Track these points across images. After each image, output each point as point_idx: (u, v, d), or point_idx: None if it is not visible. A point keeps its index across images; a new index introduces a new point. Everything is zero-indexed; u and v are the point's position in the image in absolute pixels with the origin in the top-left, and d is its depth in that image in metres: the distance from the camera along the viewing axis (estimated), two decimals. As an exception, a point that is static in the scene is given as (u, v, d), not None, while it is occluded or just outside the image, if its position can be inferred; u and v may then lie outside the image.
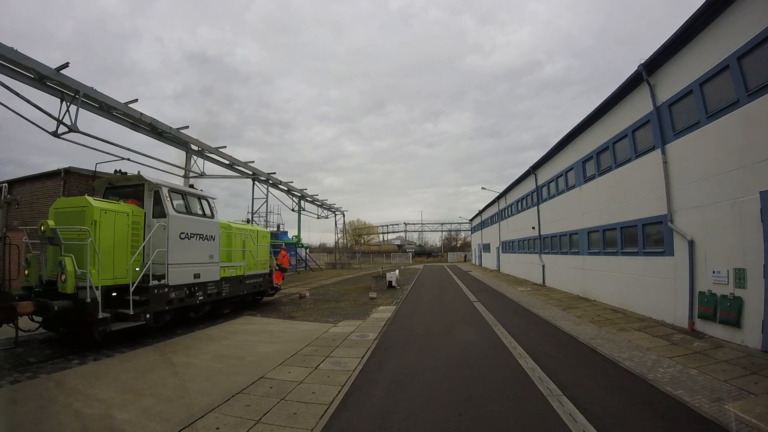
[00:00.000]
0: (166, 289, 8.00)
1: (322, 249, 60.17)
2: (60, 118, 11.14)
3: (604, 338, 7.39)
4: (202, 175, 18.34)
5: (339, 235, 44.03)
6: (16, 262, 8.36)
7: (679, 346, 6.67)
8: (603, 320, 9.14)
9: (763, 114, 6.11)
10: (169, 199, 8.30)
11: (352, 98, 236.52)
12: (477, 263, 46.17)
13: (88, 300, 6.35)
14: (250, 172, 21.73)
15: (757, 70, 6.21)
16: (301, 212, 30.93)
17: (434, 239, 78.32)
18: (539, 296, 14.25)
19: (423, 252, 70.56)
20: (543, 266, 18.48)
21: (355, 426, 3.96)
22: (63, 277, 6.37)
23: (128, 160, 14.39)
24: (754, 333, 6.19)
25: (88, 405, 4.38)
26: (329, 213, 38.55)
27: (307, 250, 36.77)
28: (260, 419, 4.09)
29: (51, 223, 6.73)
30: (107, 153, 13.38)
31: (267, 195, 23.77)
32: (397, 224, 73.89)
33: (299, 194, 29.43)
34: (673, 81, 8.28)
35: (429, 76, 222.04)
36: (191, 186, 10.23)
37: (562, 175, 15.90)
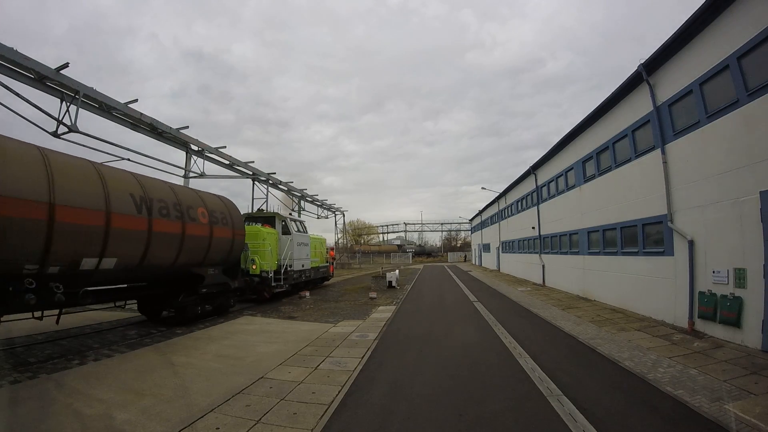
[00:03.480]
0: (292, 273, 15.02)
1: (322, 249, 60.01)
2: (60, 119, 11.13)
3: (604, 338, 7.39)
4: (202, 175, 18.32)
5: (339, 235, 44.04)
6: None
7: (679, 346, 6.67)
8: (603, 320, 9.14)
9: (763, 114, 6.11)
10: (291, 225, 15.66)
11: (351, 96, 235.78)
12: (477, 263, 46.17)
13: (269, 277, 13.13)
14: (250, 173, 21.71)
15: (757, 70, 6.21)
16: (301, 212, 30.92)
17: (434, 239, 78.45)
18: (539, 296, 14.25)
19: (423, 252, 70.60)
20: (543, 266, 18.48)
21: (355, 426, 3.97)
22: (254, 266, 12.79)
23: (128, 160, 14.38)
24: (754, 333, 6.19)
25: (88, 405, 4.39)
26: (329, 213, 38.53)
27: None
28: (260, 419, 4.09)
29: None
30: (107, 153, 13.37)
31: (267, 195, 23.75)
32: (397, 224, 73.94)
33: (299, 194, 29.42)
34: (673, 81, 8.28)
35: (429, 73, 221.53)
36: (290, 214, 17.51)
37: (562, 175, 15.90)
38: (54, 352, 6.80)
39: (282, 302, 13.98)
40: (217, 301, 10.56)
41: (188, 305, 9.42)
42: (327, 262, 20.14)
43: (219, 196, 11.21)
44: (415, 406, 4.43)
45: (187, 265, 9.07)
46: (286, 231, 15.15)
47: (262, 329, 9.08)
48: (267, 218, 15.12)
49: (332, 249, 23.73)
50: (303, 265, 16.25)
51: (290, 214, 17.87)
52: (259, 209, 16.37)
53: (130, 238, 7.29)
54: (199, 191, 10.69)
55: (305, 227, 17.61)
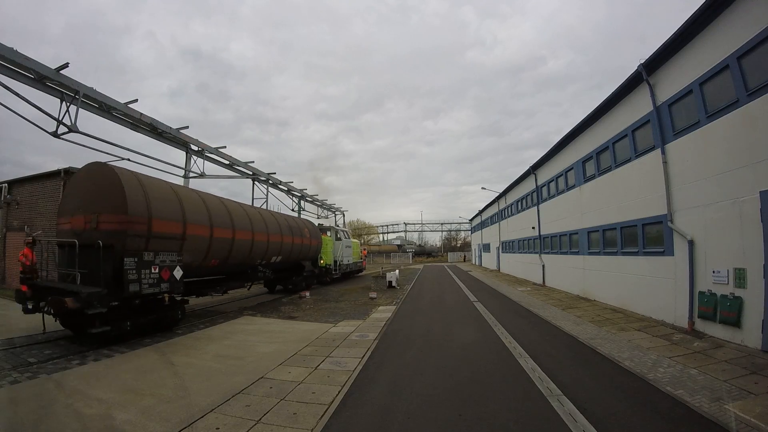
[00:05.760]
0: (342, 266, 22.68)
1: (322, 249, 59.95)
2: (60, 119, 11.12)
3: (604, 338, 7.39)
4: (202, 175, 18.30)
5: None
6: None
7: (679, 345, 6.67)
8: (603, 320, 9.14)
9: (763, 114, 6.11)
10: (341, 233, 24.00)
11: (351, 95, 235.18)
12: (477, 263, 46.14)
13: (330, 268, 21.38)
14: (250, 173, 21.68)
15: (756, 69, 6.21)
16: (301, 212, 30.92)
17: (434, 239, 78.39)
18: (539, 296, 14.25)
19: (423, 252, 70.57)
20: (543, 266, 18.47)
21: (355, 426, 3.97)
22: (321, 261, 20.19)
23: (128, 160, 14.37)
24: (754, 333, 6.19)
25: (88, 405, 4.38)
26: (329, 213, 38.50)
27: None
28: (260, 419, 4.09)
29: None
30: (107, 153, 13.37)
31: (267, 195, 23.72)
32: (397, 224, 73.84)
33: (299, 194, 29.39)
34: (673, 81, 8.27)
35: (429, 72, 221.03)
36: (337, 225, 29.01)
37: (562, 174, 15.90)
38: (54, 352, 6.79)
39: (282, 302, 13.98)
40: (308, 281, 18.26)
41: (298, 282, 17.26)
42: (361, 258, 29.26)
43: (309, 221, 20.26)
44: (415, 405, 4.43)
45: (299, 259, 17.07)
46: (337, 238, 23.01)
47: (262, 329, 9.08)
48: (326, 229, 22.63)
49: (365, 249, 33.09)
50: (348, 261, 24.23)
51: (336, 224, 28.82)
52: (319, 225, 22.66)
53: (288, 246, 15.13)
54: (304, 219, 20.39)
55: (349, 235, 26.91)
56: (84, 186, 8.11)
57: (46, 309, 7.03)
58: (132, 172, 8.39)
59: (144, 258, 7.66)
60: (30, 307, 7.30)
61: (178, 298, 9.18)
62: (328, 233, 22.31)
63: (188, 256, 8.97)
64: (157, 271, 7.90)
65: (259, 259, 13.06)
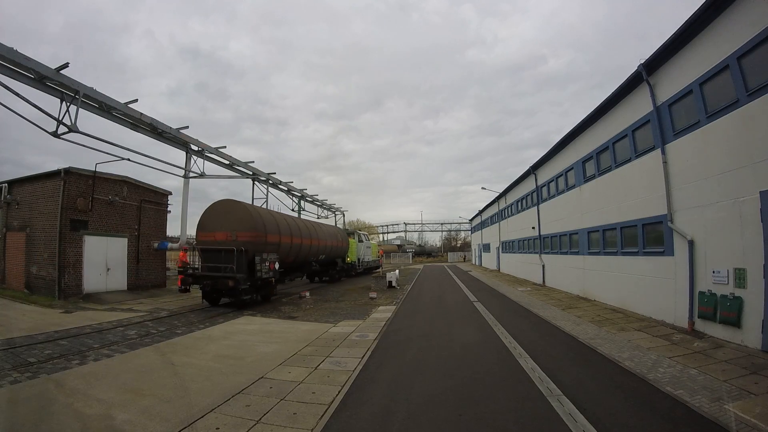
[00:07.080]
0: (363, 263, 29.69)
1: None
2: (60, 119, 11.13)
3: (604, 338, 7.39)
4: (202, 175, 18.31)
5: (339, 235, 44.06)
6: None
7: (679, 345, 6.67)
8: (603, 320, 9.14)
9: (763, 114, 6.10)
10: (362, 236, 31.32)
11: (350, 94, 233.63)
12: (477, 263, 46.14)
13: (356, 264, 27.58)
14: (250, 173, 21.70)
15: (756, 70, 6.20)
16: (301, 212, 30.94)
17: (434, 239, 78.27)
18: (539, 296, 14.25)
19: (423, 252, 70.54)
20: (543, 266, 18.47)
21: (355, 426, 3.97)
22: (348, 259, 25.50)
23: (128, 160, 14.40)
24: (754, 333, 6.19)
25: (88, 405, 4.38)
26: (329, 213, 38.51)
27: None
28: (260, 419, 4.09)
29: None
30: (107, 153, 13.39)
31: (267, 195, 23.74)
32: (397, 224, 73.77)
33: (299, 194, 29.41)
34: (673, 81, 8.27)
35: (429, 71, 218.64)
36: (359, 230, 35.24)
37: (562, 175, 15.90)
38: (54, 352, 6.79)
39: (282, 302, 13.99)
40: (339, 274, 23.85)
41: (333, 275, 22.78)
42: (378, 257, 35.33)
43: (339, 227, 28.18)
44: (414, 405, 4.43)
45: (334, 257, 22.24)
46: (360, 240, 28.77)
47: (262, 329, 9.09)
48: (351, 233, 28.23)
49: (381, 250, 40.89)
50: (368, 259, 30.41)
51: (359, 230, 35.80)
52: (344, 228, 29.85)
53: (329, 248, 20.49)
54: (337, 227, 28.13)
55: (368, 238, 33.85)
56: (221, 213, 12.77)
57: (206, 288, 12.16)
58: (251, 204, 14.46)
59: (263, 257, 12.67)
60: (183, 288, 12.56)
61: (275, 282, 14.07)
62: (353, 236, 27.94)
63: (280, 255, 14.17)
64: (268, 264, 12.87)
65: (313, 257, 18.41)
